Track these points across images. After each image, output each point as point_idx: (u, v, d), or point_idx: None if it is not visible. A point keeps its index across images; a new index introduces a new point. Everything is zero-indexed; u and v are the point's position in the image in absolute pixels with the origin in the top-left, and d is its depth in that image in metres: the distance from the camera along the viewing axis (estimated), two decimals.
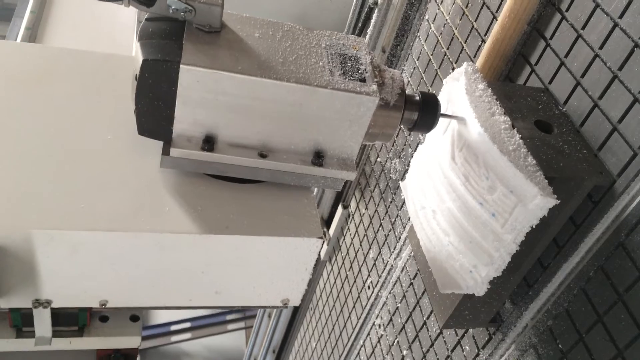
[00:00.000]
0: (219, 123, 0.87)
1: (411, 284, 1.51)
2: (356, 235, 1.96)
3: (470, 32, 1.31)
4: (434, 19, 1.50)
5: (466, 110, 0.95)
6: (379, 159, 1.80)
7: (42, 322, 0.96)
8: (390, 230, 1.68)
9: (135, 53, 0.85)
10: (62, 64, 1.08)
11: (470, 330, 1.22)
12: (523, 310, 1.07)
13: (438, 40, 1.46)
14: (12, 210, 0.82)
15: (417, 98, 0.95)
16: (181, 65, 0.80)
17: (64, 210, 0.83)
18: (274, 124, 0.88)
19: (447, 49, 1.41)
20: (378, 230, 1.77)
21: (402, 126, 0.96)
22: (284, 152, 0.91)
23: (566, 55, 1.01)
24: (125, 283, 0.91)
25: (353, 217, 2.00)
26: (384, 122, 0.92)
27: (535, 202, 0.82)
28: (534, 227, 0.86)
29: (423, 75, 1.52)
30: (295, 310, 2.58)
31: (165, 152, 0.87)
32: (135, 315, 1.20)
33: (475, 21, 1.29)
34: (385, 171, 1.74)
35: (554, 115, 1.00)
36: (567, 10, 1.02)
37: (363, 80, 0.88)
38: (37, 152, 0.91)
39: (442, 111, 1.02)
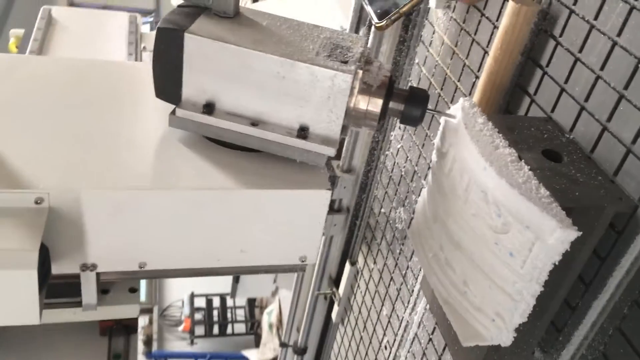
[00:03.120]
0: (218, 91, 0.99)
1: (430, 339, 1.41)
2: (367, 292, 1.86)
3: (463, 69, 1.27)
4: (424, 61, 1.47)
5: (468, 146, 0.89)
6: (382, 210, 1.73)
7: (89, 288, 1.01)
8: (402, 284, 1.59)
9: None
10: (84, 71, 1.26)
11: None
12: (555, 358, 0.97)
13: (431, 82, 1.43)
14: (63, 175, 0.93)
15: (405, 90, 1.00)
16: (185, 33, 0.94)
17: (107, 173, 0.95)
18: (262, 96, 0.98)
19: (441, 89, 1.37)
20: (389, 284, 1.68)
21: (392, 118, 1.02)
22: (272, 124, 1.00)
23: (566, 81, 0.97)
24: (161, 244, 1.01)
25: (362, 274, 1.91)
26: (366, 107, 0.99)
27: (555, 235, 0.75)
28: (556, 264, 0.79)
29: None
30: None
31: (173, 112, 1.01)
32: (133, 288, 1.26)
33: (467, 58, 1.26)
34: (391, 222, 1.67)
35: (561, 144, 0.94)
36: (560, 35, 0.98)
37: (345, 62, 0.95)
38: (75, 133, 1.05)
39: (442, 149, 0.97)
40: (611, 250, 0.87)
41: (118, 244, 0.98)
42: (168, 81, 0.99)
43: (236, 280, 5.90)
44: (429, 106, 1.01)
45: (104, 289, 1.21)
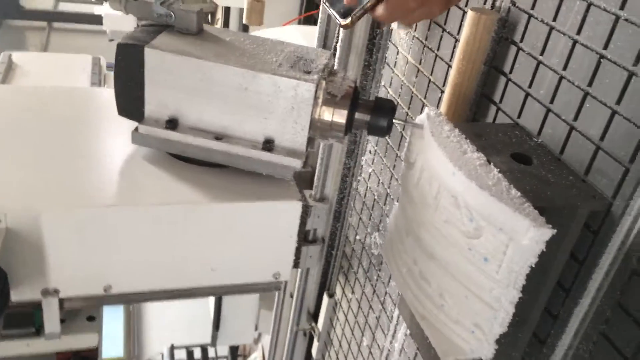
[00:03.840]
0: (181, 105, 0.97)
1: None
2: (346, 323, 1.80)
3: (428, 86, 1.26)
4: (390, 83, 1.46)
5: (435, 152, 0.87)
6: (357, 237, 1.69)
7: (51, 314, 0.96)
8: (381, 311, 1.53)
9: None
10: (45, 97, 1.25)
11: None
12: None
13: (398, 103, 1.41)
14: (22, 196, 0.91)
15: (371, 101, 0.98)
16: (145, 48, 0.93)
17: (67, 193, 0.93)
18: (226, 109, 0.96)
19: (409, 108, 1.36)
20: (368, 313, 1.62)
21: (359, 129, 1.01)
22: (237, 138, 0.99)
23: (530, 85, 0.96)
24: (126, 264, 0.97)
25: (340, 305, 1.85)
26: (331, 117, 0.97)
27: (529, 235, 0.72)
28: (533, 266, 0.75)
29: (388, 140, 1.46)
30: None
31: (135, 129, 1.00)
32: (91, 316, 1.26)
33: (431, 74, 1.25)
34: (366, 248, 1.63)
35: (530, 148, 0.92)
36: (521, 40, 0.98)
37: (308, 72, 0.94)
38: (36, 155, 1.03)
39: (410, 161, 0.95)
40: (589, 252, 0.84)
41: (81, 266, 0.95)
42: (130, 98, 0.98)
43: (216, 328, 5.73)
44: (396, 117, 1.00)
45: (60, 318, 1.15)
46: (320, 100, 0.96)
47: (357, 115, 0.98)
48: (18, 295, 0.91)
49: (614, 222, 0.79)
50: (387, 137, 1.48)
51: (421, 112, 1.28)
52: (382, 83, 1.51)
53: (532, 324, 0.90)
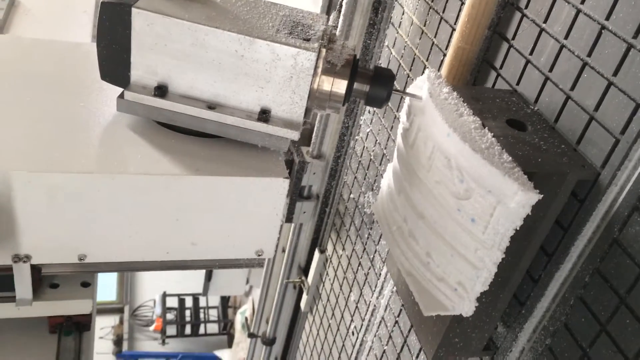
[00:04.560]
0: (171, 72, 0.91)
1: (396, 322, 1.39)
2: (335, 279, 1.84)
3: (431, 48, 1.26)
4: (394, 43, 1.46)
5: (432, 113, 0.88)
6: (352, 195, 1.71)
7: (23, 281, 0.94)
8: (369, 268, 1.57)
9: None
10: (32, 51, 1.17)
11: None
12: (517, 331, 0.96)
13: (400, 64, 1.42)
14: None
15: (370, 72, 0.95)
16: (133, 8, 0.86)
17: (41, 155, 0.87)
18: (219, 76, 0.92)
19: (410, 70, 1.36)
20: (357, 270, 1.66)
21: (356, 99, 0.98)
22: (231, 107, 0.94)
23: (531, 52, 0.96)
24: (102, 235, 0.94)
25: (331, 261, 1.89)
26: (330, 87, 0.93)
27: (516, 199, 0.74)
28: (518, 229, 0.78)
29: None
30: None
31: (121, 95, 0.93)
32: (86, 282, 1.18)
33: (435, 37, 1.25)
34: (359, 207, 1.65)
35: (526, 115, 0.93)
36: (526, 7, 0.98)
37: (307, 40, 0.90)
38: (16, 113, 0.96)
39: (407, 122, 0.96)
40: (574, 219, 0.86)
41: (55, 233, 0.90)
42: (114, 62, 0.92)
43: (208, 278, 5.83)
44: (395, 86, 0.99)
45: (54, 283, 1.14)
46: (319, 70, 0.91)
47: (356, 85, 0.95)
48: None
49: (600, 192, 0.81)
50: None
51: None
52: (386, 43, 1.51)
53: (514, 286, 0.93)
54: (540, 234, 0.86)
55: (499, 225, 0.78)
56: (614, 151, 0.79)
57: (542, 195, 0.74)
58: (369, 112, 1.60)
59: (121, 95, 0.94)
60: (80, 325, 1.23)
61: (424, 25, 1.30)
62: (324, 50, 0.92)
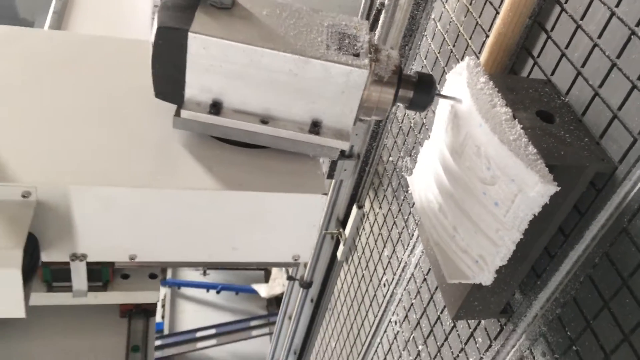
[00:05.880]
0: (225, 89, 0.94)
1: (425, 280, 1.52)
2: (371, 234, 1.97)
3: (475, 28, 1.32)
4: (440, 17, 1.52)
5: (468, 103, 0.97)
6: (390, 158, 1.82)
7: (79, 275, 1.03)
8: (403, 228, 1.69)
9: (154, 21, 0.93)
10: (88, 48, 1.18)
11: (483, 322, 1.24)
12: (532, 300, 1.08)
13: (444, 39, 1.48)
14: (52, 168, 0.90)
15: (414, 78, 0.99)
16: (189, 33, 0.88)
17: (97, 168, 0.92)
18: (273, 93, 0.94)
19: (453, 46, 1.43)
20: (392, 228, 1.78)
21: (399, 104, 1.00)
22: (283, 120, 0.97)
23: (567, 46, 1.03)
24: (151, 238, 1.00)
25: (368, 217, 2.02)
26: (378, 97, 0.97)
27: (536, 189, 0.84)
28: (536, 215, 0.88)
29: (431, 73, 1.54)
30: (315, 311, 2.60)
31: (177, 113, 0.95)
32: (153, 274, 1.29)
33: (479, 17, 1.31)
34: (397, 170, 1.76)
35: (556, 106, 1.01)
36: (566, 2, 1.03)
37: (357, 55, 0.93)
38: (71, 121, 1.00)
39: (446, 107, 1.04)
40: (590, 206, 0.95)
41: (108, 236, 0.97)
42: (169, 82, 0.94)
43: None
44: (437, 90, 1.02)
45: (125, 273, 1.24)
46: (368, 82, 0.95)
47: (401, 92, 0.98)
48: (48, 256, 0.95)
49: (616, 184, 0.90)
50: (430, 70, 1.56)
51: (464, 52, 1.35)
52: (433, 16, 1.57)
53: (531, 260, 1.04)
54: (557, 218, 0.96)
55: (519, 211, 0.88)
56: (632, 149, 0.87)
57: (559, 188, 0.83)
58: None
59: (177, 113, 0.96)
60: (146, 312, 1.38)
61: (470, 4, 1.36)
62: (373, 64, 0.95)
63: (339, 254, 2.26)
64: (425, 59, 1.59)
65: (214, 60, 0.91)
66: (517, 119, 0.93)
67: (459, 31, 1.40)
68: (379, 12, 1.78)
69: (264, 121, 0.96)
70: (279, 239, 1.05)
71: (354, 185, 2.11)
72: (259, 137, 0.98)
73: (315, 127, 0.97)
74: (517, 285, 1.09)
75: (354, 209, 2.10)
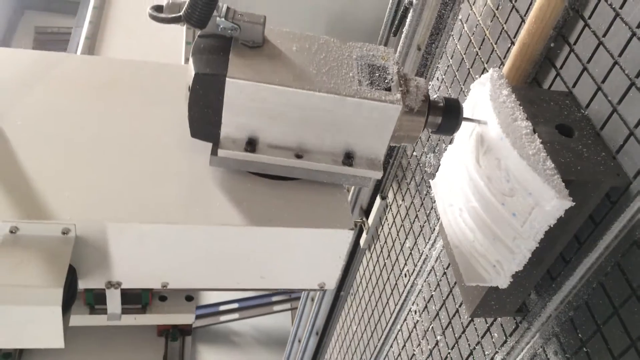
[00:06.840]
0: (260, 127, 0.97)
1: (444, 273, 1.58)
2: (393, 225, 2.04)
3: (500, 34, 1.36)
4: (467, 19, 1.55)
5: (490, 116, 1.01)
6: (414, 153, 1.87)
7: (113, 301, 1.09)
8: (425, 222, 1.75)
9: (189, 65, 0.96)
10: (122, 74, 1.20)
11: (499, 318, 1.30)
12: (547, 301, 1.13)
13: (470, 40, 1.51)
14: (90, 204, 0.95)
15: (441, 104, 1.02)
16: (227, 79, 0.91)
17: (132, 204, 0.97)
18: (308, 129, 0.97)
19: (479, 49, 1.47)
20: (414, 221, 1.84)
21: (427, 129, 1.03)
22: (317, 153, 1.00)
23: (589, 61, 1.06)
24: (182, 268, 1.04)
25: (390, 208, 2.08)
26: (408, 126, 1.00)
27: (552, 204, 0.89)
28: (552, 226, 0.93)
29: (456, 73, 1.58)
30: (337, 295, 2.69)
31: (214, 152, 0.99)
32: (189, 296, 1.37)
33: (505, 23, 1.34)
34: (421, 165, 1.81)
35: (576, 119, 1.05)
36: (589, 17, 1.07)
37: (388, 89, 0.96)
38: (107, 152, 1.04)
39: (468, 115, 1.09)
40: (605, 217, 1.00)
41: (142, 266, 1.02)
42: (205, 122, 0.97)
43: None
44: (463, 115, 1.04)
45: (162, 295, 1.32)
46: (400, 114, 0.97)
47: (429, 118, 1.02)
48: (84, 284, 0.99)
49: (629, 199, 0.95)
50: (456, 70, 1.59)
51: (490, 57, 1.39)
52: (460, 17, 1.60)
53: (547, 265, 1.09)
54: (572, 228, 1.01)
55: (536, 222, 0.93)
56: None
57: (574, 203, 0.88)
58: (437, 79, 1.71)
59: (214, 152, 0.99)
60: (182, 331, 1.45)
61: (497, 9, 1.39)
62: (404, 97, 0.98)
63: (361, 241, 2.32)
64: (451, 58, 1.63)
65: (250, 102, 0.93)
66: (537, 133, 0.97)
67: (485, 34, 1.43)
68: (406, 10, 1.81)
69: (299, 155, 0.99)
70: (306, 269, 1.09)
71: None
72: (294, 171, 1.01)
73: (349, 158, 0.99)
74: (533, 287, 1.14)
75: (378, 200, 2.16)
